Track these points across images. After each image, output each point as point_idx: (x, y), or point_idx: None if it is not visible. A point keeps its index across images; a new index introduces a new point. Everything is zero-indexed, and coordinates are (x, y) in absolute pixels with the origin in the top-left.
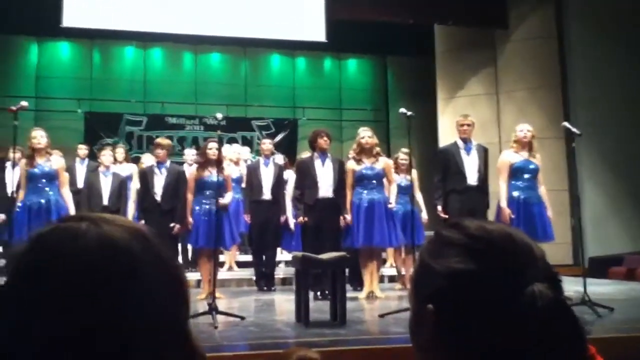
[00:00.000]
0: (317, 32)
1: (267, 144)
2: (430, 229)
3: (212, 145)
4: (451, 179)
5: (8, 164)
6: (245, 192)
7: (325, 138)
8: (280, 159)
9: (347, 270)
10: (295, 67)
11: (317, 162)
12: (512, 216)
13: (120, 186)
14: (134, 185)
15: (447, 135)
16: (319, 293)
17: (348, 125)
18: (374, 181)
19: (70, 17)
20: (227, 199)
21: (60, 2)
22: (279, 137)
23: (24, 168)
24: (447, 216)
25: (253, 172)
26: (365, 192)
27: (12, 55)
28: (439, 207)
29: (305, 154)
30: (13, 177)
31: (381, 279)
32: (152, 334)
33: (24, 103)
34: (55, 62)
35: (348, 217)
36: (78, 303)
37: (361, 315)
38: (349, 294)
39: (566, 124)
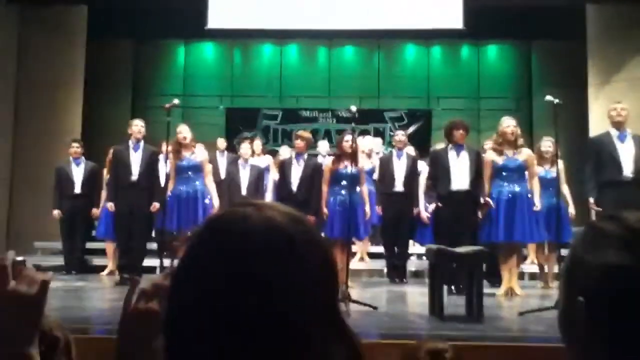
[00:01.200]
0: (454, 19)
1: (400, 136)
2: (578, 224)
3: (348, 138)
4: (605, 171)
5: (161, 157)
6: (377, 184)
7: (461, 131)
8: (412, 150)
9: (484, 266)
10: (430, 56)
11: (452, 154)
12: None
13: (258, 177)
14: (271, 176)
15: (598, 124)
16: (453, 287)
17: (486, 115)
18: (516, 173)
19: (215, 19)
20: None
21: (206, 5)
22: (412, 129)
23: (173, 161)
24: (600, 209)
25: (385, 164)
26: (506, 184)
27: (163, 57)
28: (591, 200)
29: (439, 145)
30: (166, 169)
31: (521, 276)
32: (308, 312)
33: (176, 101)
34: (200, 62)
35: (487, 208)
36: (246, 280)
37: (499, 312)
38: (486, 290)
39: None
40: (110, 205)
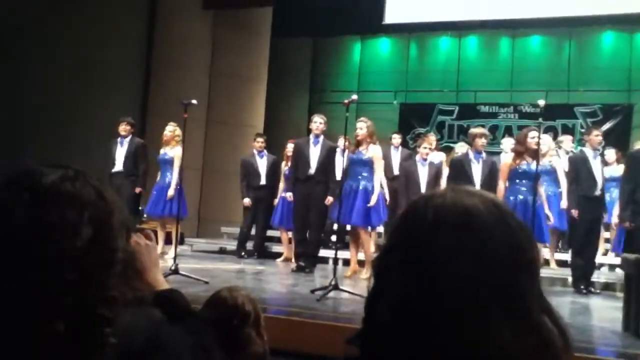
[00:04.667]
0: None
1: (595, 134)
2: None
3: (534, 134)
4: None
5: (338, 151)
6: (571, 186)
7: None
8: (613, 153)
9: None
10: (633, 44)
11: None
12: None
13: (437, 174)
14: (444, 172)
15: None
16: None
17: None
18: None
19: (391, 14)
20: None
21: (383, 2)
22: (607, 125)
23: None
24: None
25: (581, 164)
26: None
27: (339, 54)
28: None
29: (637, 144)
30: (343, 164)
31: None
32: (493, 296)
33: (355, 97)
34: (375, 58)
35: None
36: (431, 256)
37: None
38: None
39: None
40: (289, 195)
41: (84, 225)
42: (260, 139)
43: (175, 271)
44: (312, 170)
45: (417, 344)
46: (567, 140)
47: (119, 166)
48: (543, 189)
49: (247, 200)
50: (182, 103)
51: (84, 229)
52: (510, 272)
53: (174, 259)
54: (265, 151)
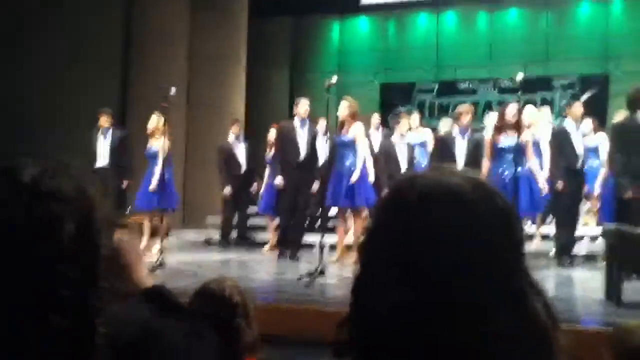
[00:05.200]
0: None
1: (577, 107)
2: None
3: (511, 108)
4: None
5: (320, 134)
6: (555, 159)
7: None
8: (589, 123)
9: None
10: (610, 12)
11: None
12: None
13: (412, 154)
14: (428, 151)
15: None
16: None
17: None
18: None
19: None
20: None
21: None
22: (585, 96)
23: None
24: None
25: (563, 137)
26: None
27: (318, 34)
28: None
29: (618, 115)
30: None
31: None
32: (481, 273)
33: (334, 79)
34: (354, 38)
35: None
36: (422, 236)
37: None
38: None
39: None
40: (279, 181)
41: (67, 220)
42: (237, 125)
43: (161, 264)
44: (302, 156)
45: (406, 327)
46: (546, 112)
47: (104, 159)
48: (535, 161)
49: (227, 189)
50: (159, 87)
51: (67, 224)
52: (500, 250)
53: (160, 251)
54: (242, 137)
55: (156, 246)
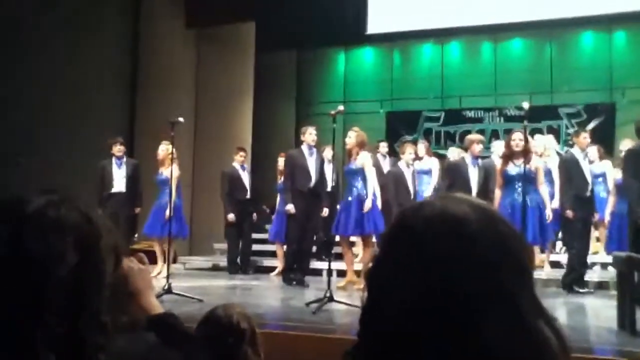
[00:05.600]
0: None
1: (584, 135)
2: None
3: (516, 137)
4: None
5: (326, 162)
6: (564, 187)
7: None
8: (594, 150)
9: None
10: (612, 43)
11: None
12: None
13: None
14: (433, 179)
15: None
16: None
17: None
18: None
19: (374, 24)
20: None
21: (365, 12)
22: (591, 125)
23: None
24: None
25: (573, 165)
26: None
27: (323, 65)
28: None
29: (625, 143)
30: (332, 175)
31: None
32: (485, 302)
33: (341, 108)
34: (359, 68)
35: None
36: (425, 262)
37: None
38: None
39: None
40: (291, 208)
41: (69, 251)
42: (242, 153)
43: (169, 290)
44: (313, 182)
45: (413, 353)
46: (551, 140)
47: (118, 187)
48: (545, 189)
49: (231, 216)
50: (169, 122)
51: (69, 255)
52: (501, 276)
53: (167, 278)
54: (246, 166)
55: (164, 272)
